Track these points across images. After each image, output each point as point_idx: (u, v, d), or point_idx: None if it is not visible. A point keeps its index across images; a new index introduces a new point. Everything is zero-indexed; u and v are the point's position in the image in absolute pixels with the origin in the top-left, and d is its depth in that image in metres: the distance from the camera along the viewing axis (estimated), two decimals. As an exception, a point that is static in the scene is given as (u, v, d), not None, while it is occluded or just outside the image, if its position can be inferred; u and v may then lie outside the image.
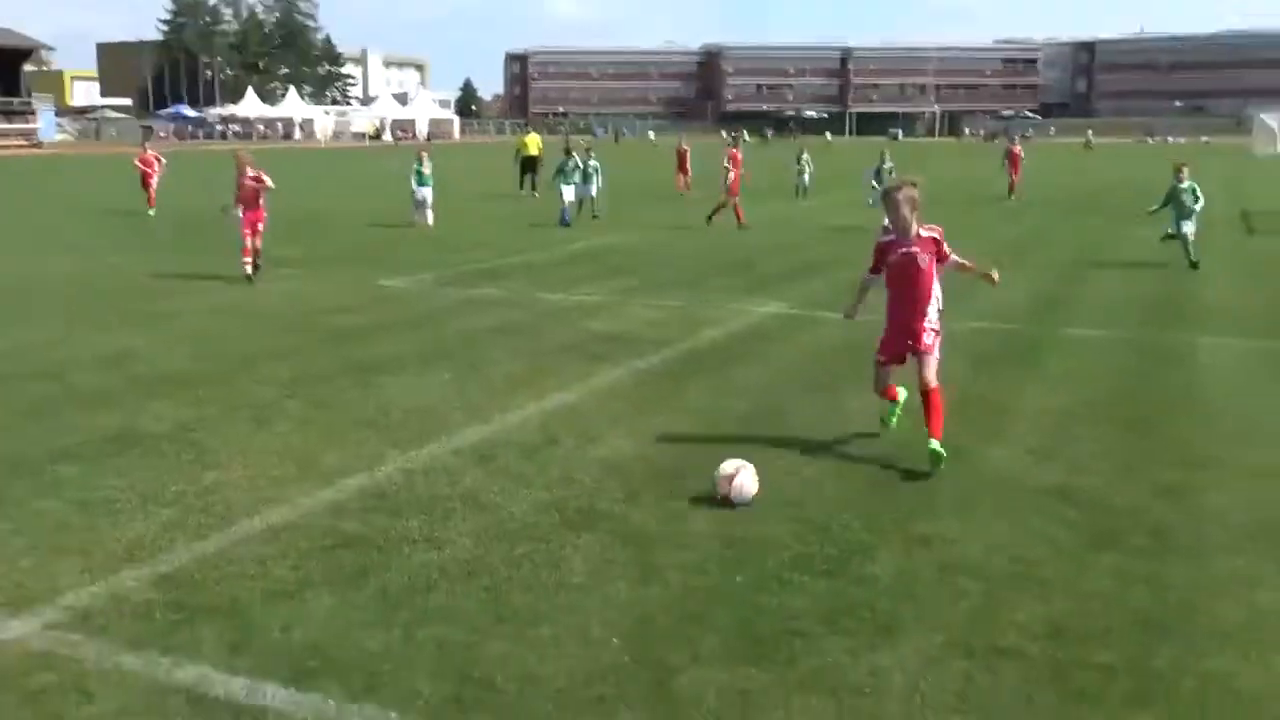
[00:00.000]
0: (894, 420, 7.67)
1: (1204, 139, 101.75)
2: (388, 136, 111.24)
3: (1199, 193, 17.06)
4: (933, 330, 7.21)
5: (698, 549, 5.69)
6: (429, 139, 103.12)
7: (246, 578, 5.29)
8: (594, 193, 25.63)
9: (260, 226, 15.57)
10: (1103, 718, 4.08)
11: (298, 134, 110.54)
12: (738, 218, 23.06)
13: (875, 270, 7.32)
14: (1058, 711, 4.12)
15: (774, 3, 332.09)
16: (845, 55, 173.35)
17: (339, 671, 4.38)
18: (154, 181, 26.73)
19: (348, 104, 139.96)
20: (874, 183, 23.88)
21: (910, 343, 7.18)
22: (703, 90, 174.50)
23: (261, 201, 15.67)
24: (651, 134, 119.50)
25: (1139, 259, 17.98)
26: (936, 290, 7.31)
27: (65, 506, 6.28)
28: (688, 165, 33.07)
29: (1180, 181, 17.16)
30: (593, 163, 25.70)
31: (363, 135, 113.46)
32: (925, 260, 7.07)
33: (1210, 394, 9.06)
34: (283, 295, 14.28)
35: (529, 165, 33.20)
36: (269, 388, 9.14)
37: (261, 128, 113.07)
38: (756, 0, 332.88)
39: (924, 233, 7.11)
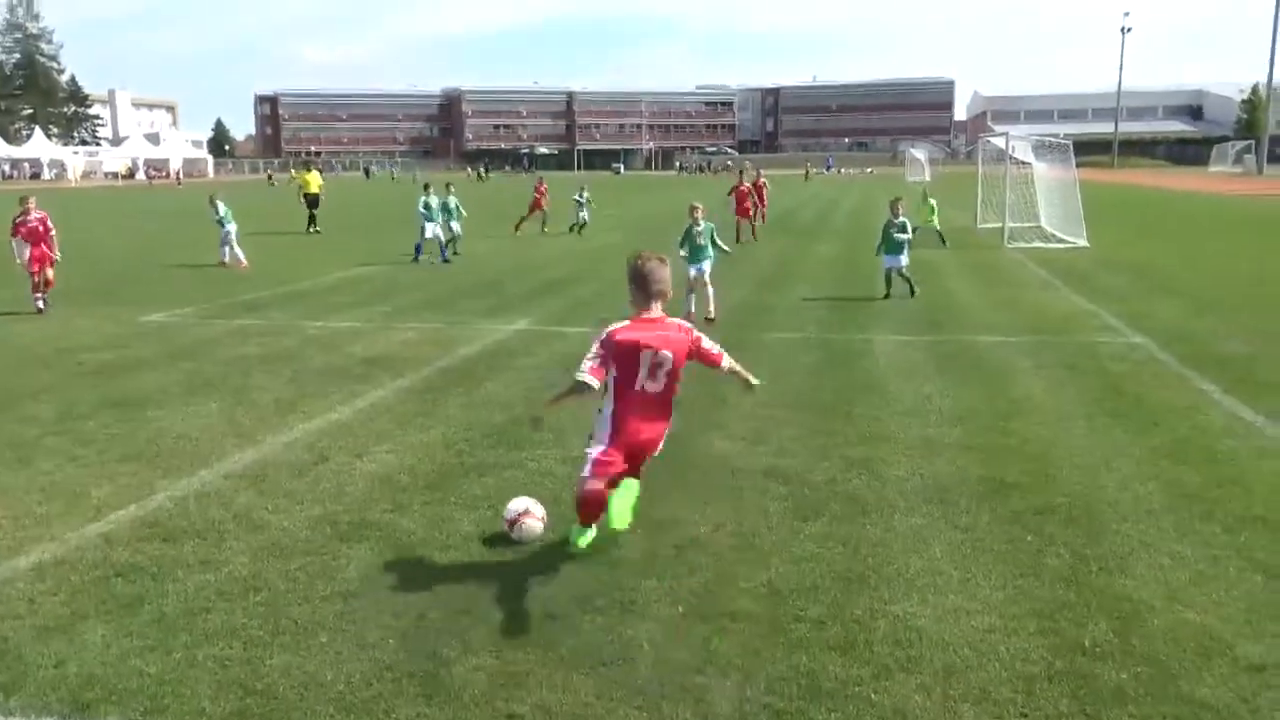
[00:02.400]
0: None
1: (869, 170, 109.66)
2: (141, 176, 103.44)
3: (908, 226, 15.46)
4: None
5: (462, 549, 5.61)
6: (179, 177, 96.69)
7: (14, 617, 4.79)
8: (457, 230, 23.19)
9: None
10: (816, 662, 4.32)
11: (47, 174, 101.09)
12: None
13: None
14: (781, 661, 4.33)
15: (505, 51, 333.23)
16: (570, 98, 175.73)
17: (119, 699, 4.04)
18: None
19: (97, 144, 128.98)
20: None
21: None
22: (444, 130, 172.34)
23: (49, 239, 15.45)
24: (394, 171, 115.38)
25: (822, 273, 19.17)
26: None
27: None
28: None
29: (896, 216, 15.41)
30: (452, 199, 23.41)
31: (115, 175, 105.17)
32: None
33: (886, 381, 9.74)
34: (40, 332, 13.01)
35: (311, 202, 30.73)
36: (29, 426, 8.30)
37: (7, 168, 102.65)
38: (489, 48, 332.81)
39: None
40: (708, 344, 5.43)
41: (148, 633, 4.63)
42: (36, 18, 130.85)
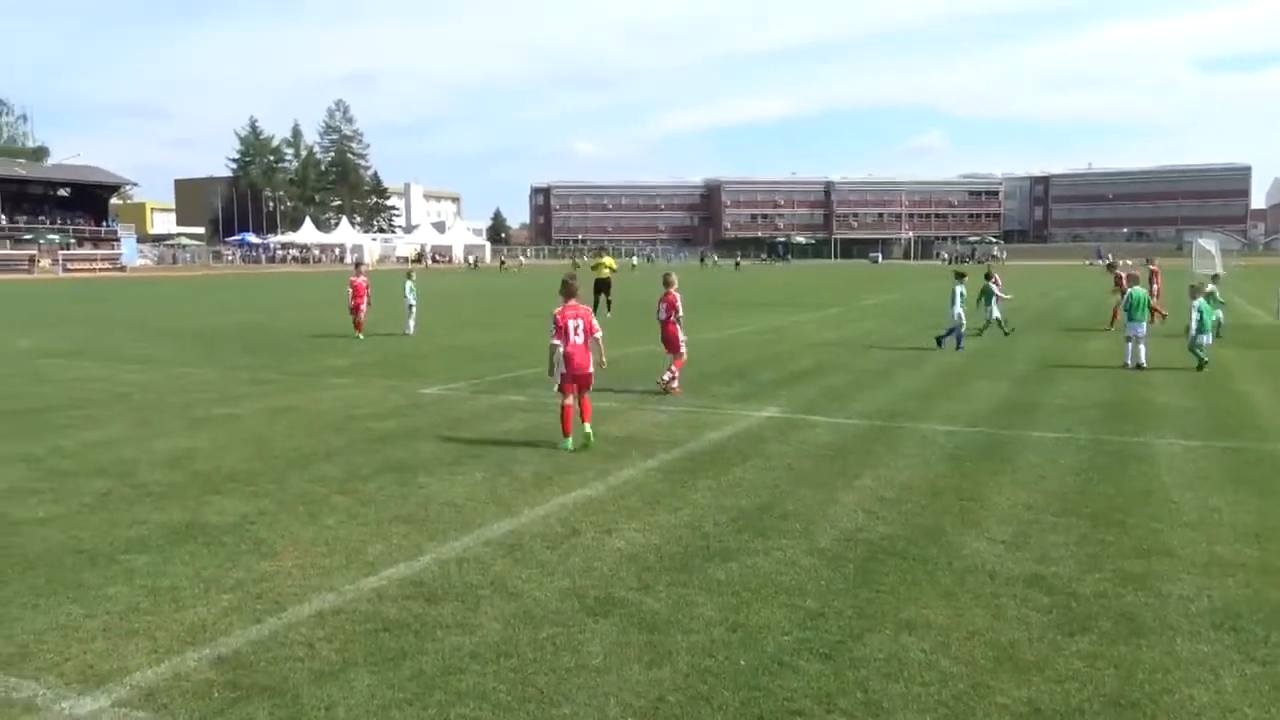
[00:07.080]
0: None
1: (1149, 261, 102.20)
2: (429, 261, 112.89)
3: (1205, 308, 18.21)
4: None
5: (705, 633, 5.58)
6: (468, 261, 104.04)
7: (296, 659, 5.20)
8: (997, 314, 24.09)
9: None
10: (1081, 794, 3.94)
11: (349, 258, 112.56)
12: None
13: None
14: (1039, 787, 3.99)
15: (764, 142, 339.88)
16: (828, 188, 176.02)
17: (379, 748, 4.27)
18: (363, 308, 25.12)
19: (393, 232, 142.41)
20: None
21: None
22: (704, 219, 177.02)
23: None
24: (635, 259, 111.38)
25: (1090, 368, 17.96)
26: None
27: (134, 592, 6.23)
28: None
29: (1194, 298, 18.18)
30: (993, 285, 24.20)
31: (405, 259, 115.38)
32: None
33: (1166, 489, 8.93)
34: (334, 401, 14.31)
35: (603, 286, 31.25)
36: (320, 485, 9.10)
37: (317, 252, 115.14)
38: (749, 140, 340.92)
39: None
40: (595, 322, 10.98)
41: (408, 686, 4.89)
42: (350, 120, 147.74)
